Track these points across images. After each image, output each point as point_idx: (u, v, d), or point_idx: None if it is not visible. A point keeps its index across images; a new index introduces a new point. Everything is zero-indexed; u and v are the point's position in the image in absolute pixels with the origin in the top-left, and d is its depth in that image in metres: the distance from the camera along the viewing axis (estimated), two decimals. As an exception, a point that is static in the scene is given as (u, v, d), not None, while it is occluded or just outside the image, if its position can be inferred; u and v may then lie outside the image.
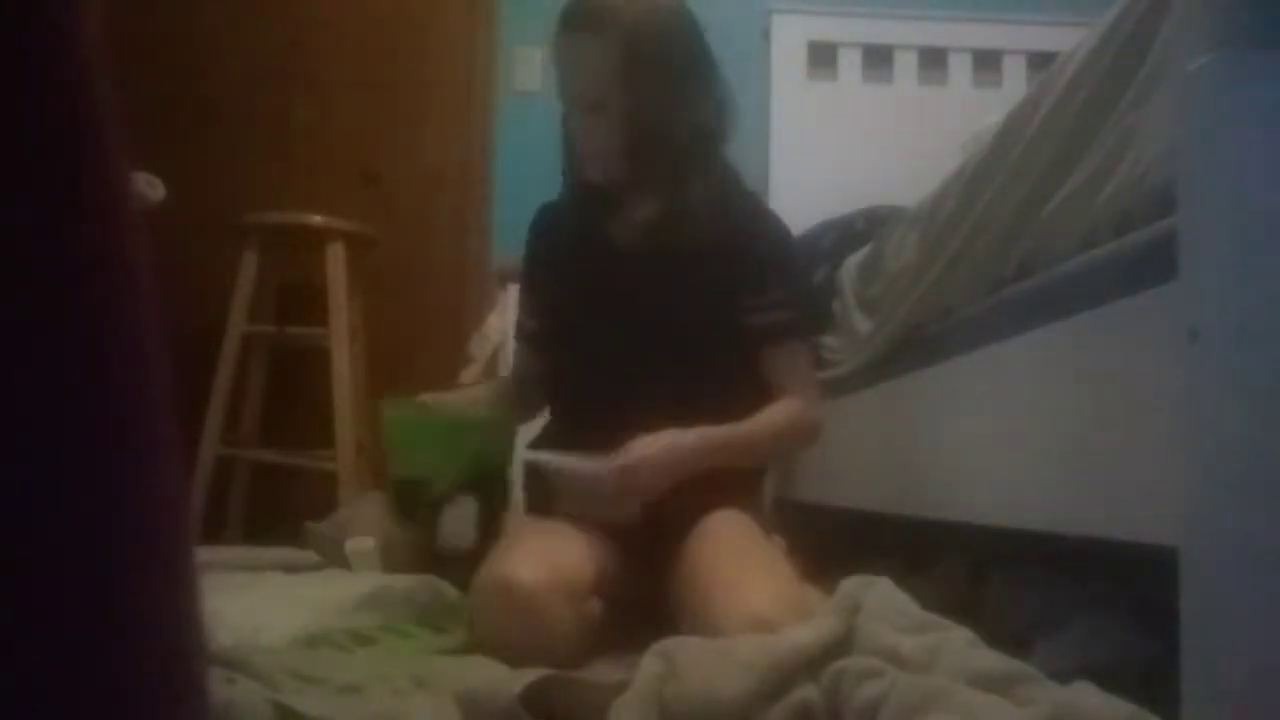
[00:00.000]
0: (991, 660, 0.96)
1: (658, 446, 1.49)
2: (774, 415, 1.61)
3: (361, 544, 1.93)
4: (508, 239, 3.08)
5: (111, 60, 0.33)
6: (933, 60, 3.17)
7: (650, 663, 1.02)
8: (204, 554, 1.95)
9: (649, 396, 1.56)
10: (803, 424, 1.65)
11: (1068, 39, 1.24)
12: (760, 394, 1.64)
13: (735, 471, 1.66)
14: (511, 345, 2.64)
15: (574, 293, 1.70)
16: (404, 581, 1.68)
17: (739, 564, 1.39)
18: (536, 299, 1.77)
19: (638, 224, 1.65)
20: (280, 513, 2.41)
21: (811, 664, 0.99)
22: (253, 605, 1.43)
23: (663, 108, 1.58)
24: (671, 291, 1.62)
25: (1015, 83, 3.07)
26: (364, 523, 2.02)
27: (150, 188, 2.27)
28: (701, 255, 1.61)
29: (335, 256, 2.83)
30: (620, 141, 1.59)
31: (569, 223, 1.73)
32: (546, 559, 1.34)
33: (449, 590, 1.64)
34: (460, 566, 1.53)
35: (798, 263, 1.80)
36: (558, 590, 1.30)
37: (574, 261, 1.70)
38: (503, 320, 2.76)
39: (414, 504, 1.70)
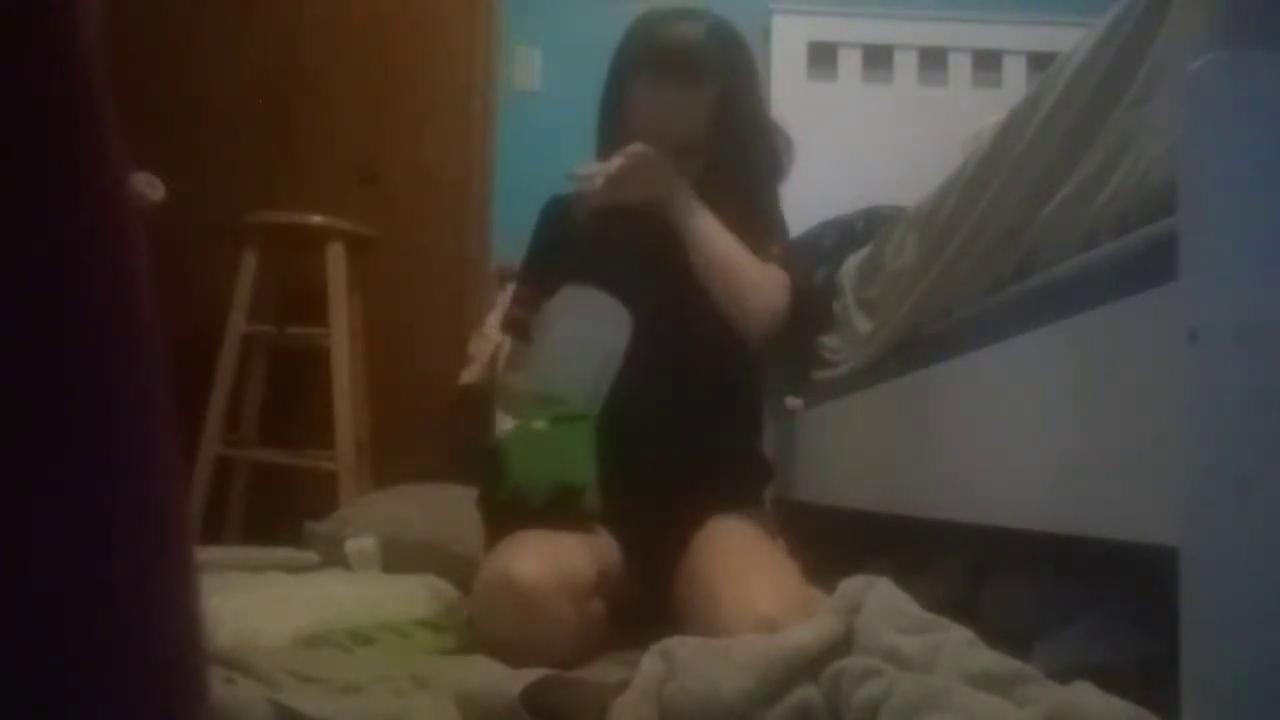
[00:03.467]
0: (991, 660, 0.96)
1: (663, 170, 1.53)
2: (751, 259, 1.58)
3: (361, 544, 1.93)
4: (508, 239, 3.08)
5: (112, 60, 0.33)
6: (933, 60, 3.17)
7: (650, 663, 1.02)
8: (204, 554, 1.95)
9: (653, 391, 1.55)
10: (765, 279, 1.60)
11: (1068, 39, 1.24)
12: (758, 395, 1.64)
13: (740, 476, 1.66)
14: (504, 342, 2.64)
15: (584, 267, 1.65)
16: (404, 581, 1.68)
17: (745, 565, 1.39)
18: (541, 290, 1.73)
19: (667, 231, 1.62)
20: (280, 513, 2.41)
21: (811, 664, 0.99)
22: (253, 605, 1.43)
23: (748, 149, 1.63)
24: (689, 292, 1.61)
25: (1015, 83, 3.07)
26: (364, 523, 2.02)
27: (150, 188, 2.27)
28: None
29: (335, 256, 2.83)
30: (702, 175, 1.61)
31: (585, 219, 1.69)
32: (549, 558, 1.34)
33: (449, 590, 1.64)
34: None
35: (793, 241, 1.78)
36: (560, 589, 1.30)
37: (590, 256, 1.66)
38: (503, 320, 2.76)
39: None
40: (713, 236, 1.57)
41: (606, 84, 1.63)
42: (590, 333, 1.49)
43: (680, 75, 1.54)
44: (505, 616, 1.29)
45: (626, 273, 1.62)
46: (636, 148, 1.53)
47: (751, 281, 1.58)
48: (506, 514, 1.44)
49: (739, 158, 1.61)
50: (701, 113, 1.56)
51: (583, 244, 1.66)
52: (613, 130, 1.62)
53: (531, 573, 1.29)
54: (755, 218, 1.65)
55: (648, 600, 1.49)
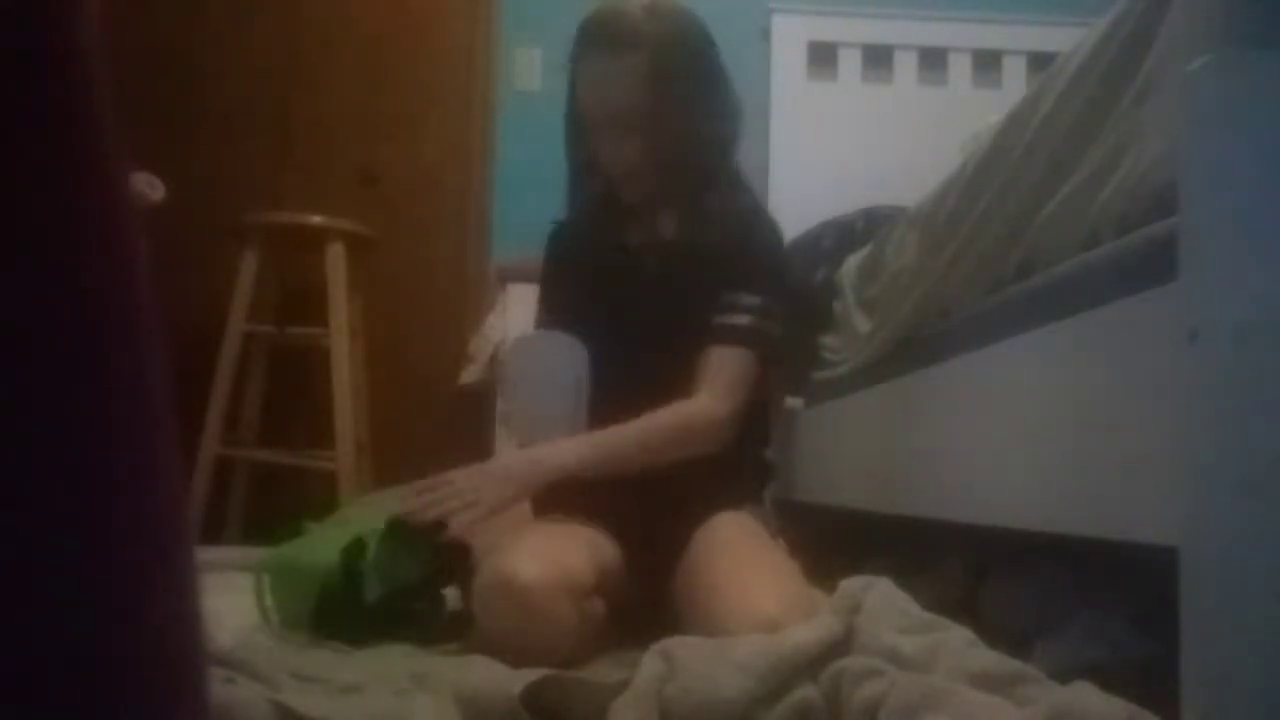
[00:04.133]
0: (991, 660, 0.96)
1: (478, 471, 1.48)
2: (648, 421, 1.55)
3: (361, 544, 1.92)
4: (508, 239, 3.09)
5: (111, 60, 0.33)
6: (933, 60, 3.17)
7: (650, 662, 1.02)
8: (204, 554, 1.95)
9: (653, 394, 1.57)
10: (689, 423, 1.57)
11: (1068, 39, 1.24)
12: (759, 395, 1.65)
13: (739, 474, 1.66)
14: (503, 341, 2.66)
15: (592, 299, 1.70)
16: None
17: (747, 565, 1.39)
18: (562, 311, 1.75)
19: (656, 233, 1.67)
20: (280, 513, 2.41)
21: (811, 664, 0.99)
22: (252, 605, 1.43)
23: (689, 122, 1.60)
24: (680, 295, 1.63)
25: (1015, 83, 3.07)
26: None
27: (150, 188, 2.27)
28: (706, 260, 1.62)
29: (335, 256, 2.83)
30: (649, 158, 1.61)
31: (584, 236, 1.74)
32: (549, 557, 1.34)
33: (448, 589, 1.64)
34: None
35: (783, 274, 1.73)
36: (560, 588, 1.30)
37: (592, 271, 1.72)
38: (503, 320, 2.76)
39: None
40: (614, 454, 1.53)
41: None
42: (552, 373, 1.60)
43: (608, 42, 1.57)
44: (505, 616, 1.29)
45: (635, 280, 1.67)
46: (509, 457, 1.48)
47: (671, 438, 1.55)
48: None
49: (678, 132, 1.60)
50: (633, 80, 1.56)
51: (592, 261, 1.72)
52: (570, 116, 1.66)
53: (531, 572, 1.29)
54: (747, 253, 1.63)
55: (647, 599, 1.49)
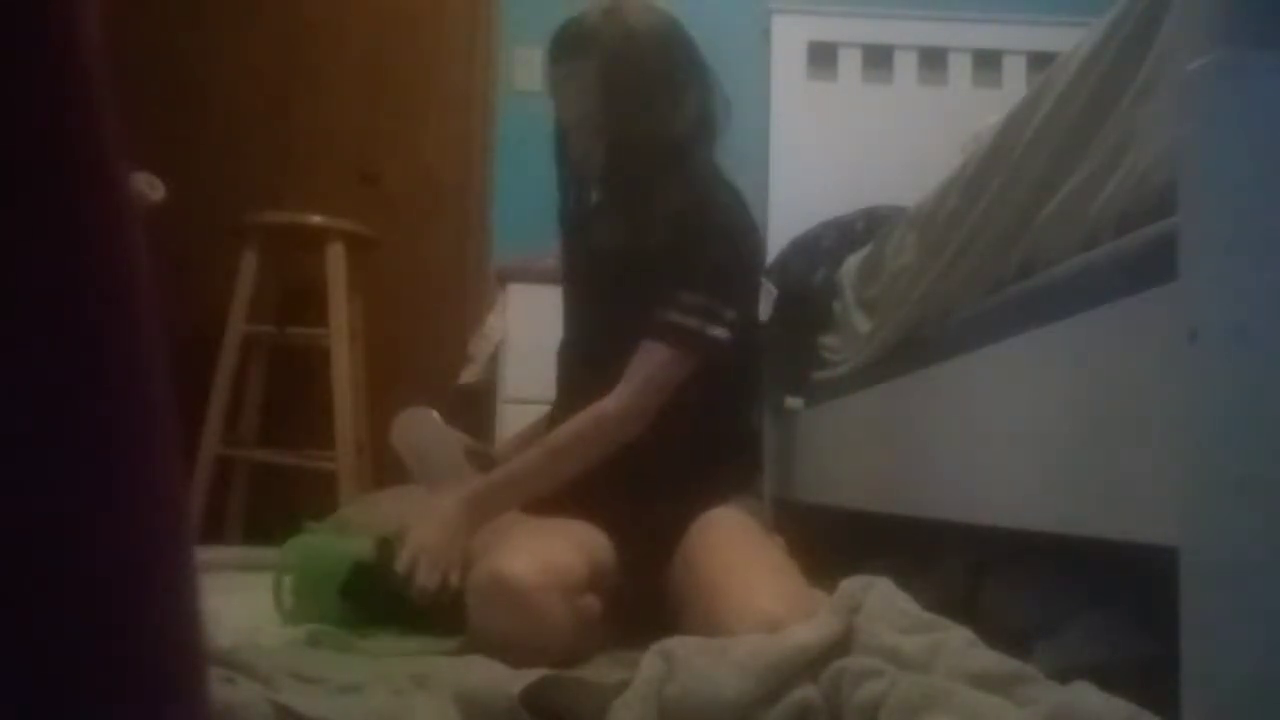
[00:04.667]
0: (991, 660, 0.96)
1: (424, 528, 1.49)
2: (561, 432, 1.59)
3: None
4: (508, 239, 3.08)
5: (112, 60, 0.33)
6: (933, 60, 3.16)
7: (650, 663, 1.02)
8: (204, 554, 1.95)
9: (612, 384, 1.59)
10: (598, 420, 1.57)
11: (1068, 39, 1.24)
12: (745, 382, 1.69)
13: (730, 467, 1.67)
14: (503, 341, 2.72)
15: (567, 290, 1.82)
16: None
17: (745, 562, 1.39)
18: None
19: (609, 227, 1.70)
20: (280, 513, 2.41)
21: (811, 664, 0.99)
22: (253, 605, 1.43)
23: (632, 123, 1.64)
24: (633, 290, 1.64)
25: (1015, 83, 3.07)
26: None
27: (150, 188, 2.27)
28: (651, 260, 1.61)
29: (335, 256, 2.83)
30: (598, 155, 1.68)
31: (562, 235, 1.84)
32: (540, 555, 1.34)
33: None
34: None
35: (737, 277, 1.68)
36: (552, 585, 1.30)
37: (568, 270, 1.82)
38: (502, 320, 2.76)
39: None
40: (528, 482, 1.58)
41: None
42: (427, 442, 1.79)
43: (564, 48, 1.68)
44: (497, 614, 1.29)
45: (595, 273, 1.74)
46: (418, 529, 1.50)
47: (587, 441, 1.57)
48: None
49: (626, 133, 1.64)
50: (586, 83, 1.64)
51: (567, 253, 1.84)
52: (556, 122, 1.77)
53: (522, 570, 1.29)
54: (701, 253, 1.61)
55: (642, 595, 1.49)
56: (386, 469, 2.84)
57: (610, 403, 1.57)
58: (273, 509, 2.72)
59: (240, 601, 1.47)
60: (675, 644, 1.04)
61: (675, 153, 1.65)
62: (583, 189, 1.76)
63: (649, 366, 1.58)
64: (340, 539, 1.60)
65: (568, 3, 1.75)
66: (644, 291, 1.61)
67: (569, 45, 1.67)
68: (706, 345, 1.59)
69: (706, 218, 1.65)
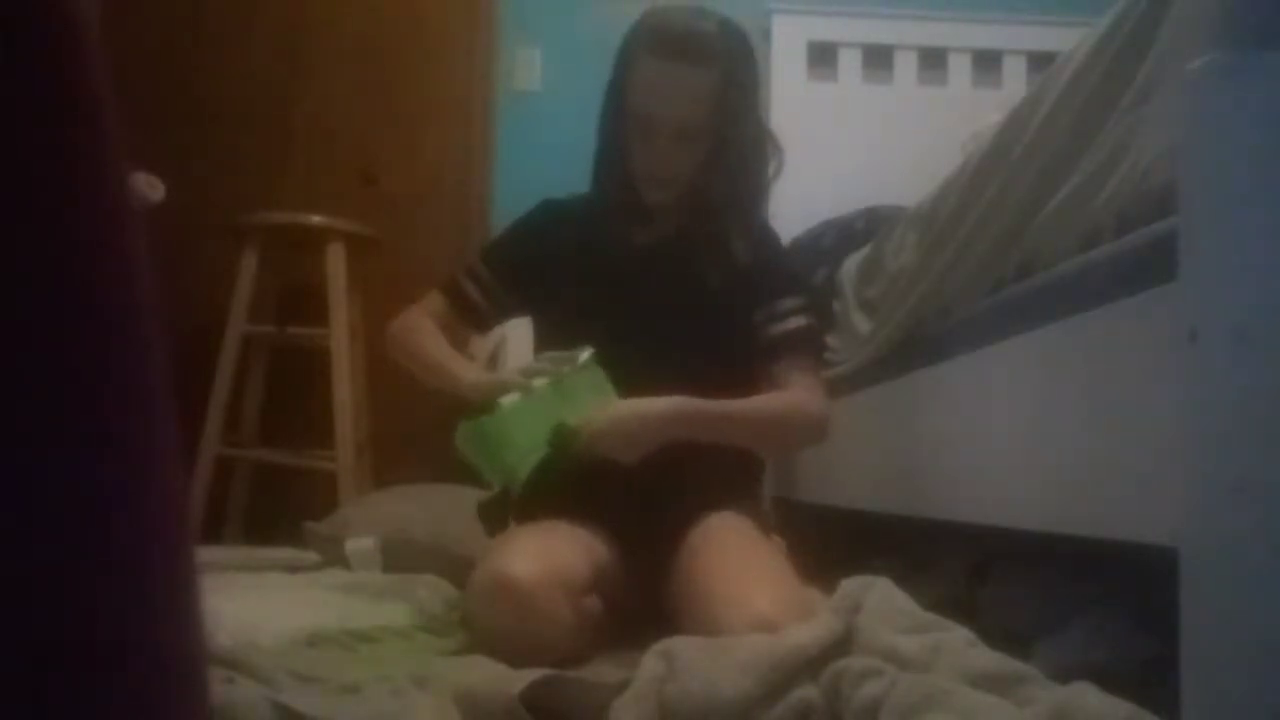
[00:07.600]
0: (991, 660, 0.97)
1: (628, 412, 1.49)
2: (772, 400, 1.60)
3: (361, 544, 1.93)
4: (507, 239, 3.08)
5: (112, 60, 0.33)
6: (933, 60, 3.16)
7: (650, 663, 1.02)
8: (204, 554, 1.95)
9: (638, 389, 1.54)
10: (805, 413, 1.62)
11: (1068, 39, 1.24)
12: (752, 390, 1.68)
13: (733, 470, 1.66)
14: (503, 341, 2.67)
15: (580, 294, 1.68)
16: (405, 581, 1.68)
17: (742, 565, 1.39)
18: (501, 279, 1.75)
19: (668, 238, 1.68)
20: (280, 513, 2.41)
21: (811, 664, 0.99)
22: (253, 605, 1.43)
23: (750, 138, 1.64)
24: (685, 303, 1.63)
25: (1015, 83, 3.07)
26: (364, 523, 2.02)
27: (150, 188, 2.27)
28: (720, 271, 1.64)
29: (335, 256, 2.83)
30: (699, 167, 1.62)
31: (584, 225, 1.71)
32: (542, 555, 1.34)
33: (449, 590, 1.64)
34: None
35: (803, 269, 1.82)
36: (554, 586, 1.30)
37: (585, 265, 1.69)
38: (502, 320, 2.76)
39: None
40: (744, 427, 1.58)
41: (614, 67, 1.64)
42: None
43: (687, 52, 1.56)
44: (500, 615, 1.29)
45: (610, 286, 1.66)
46: (621, 410, 1.50)
47: (791, 422, 1.62)
48: (499, 513, 1.53)
49: (735, 152, 1.62)
50: (703, 92, 1.56)
51: (568, 260, 1.69)
52: (614, 112, 1.64)
53: (524, 570, 1.29)
54: (776, 262, 1.71)
55: (643, 597, 1.49)
56: (386, 469, 2.85)
57: (804, 401, 1.61)
58: (273, 509, 2.72)
59: (240, 601, 1.47)
60: (675, 644, 1.04)
61: (773, 169, 1.71)
62: (629, 184, 1.66)
63: (809, 373, 1.66)
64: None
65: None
66: (742, 303, 1.64)
67: (688, 49, 1.56)
68: (823, 338, 1.71)
69: (768, 228, 1.79)
